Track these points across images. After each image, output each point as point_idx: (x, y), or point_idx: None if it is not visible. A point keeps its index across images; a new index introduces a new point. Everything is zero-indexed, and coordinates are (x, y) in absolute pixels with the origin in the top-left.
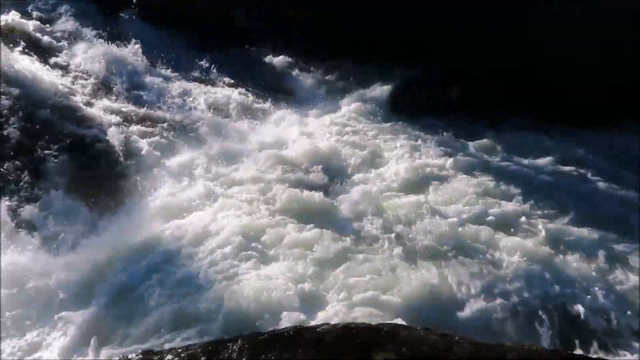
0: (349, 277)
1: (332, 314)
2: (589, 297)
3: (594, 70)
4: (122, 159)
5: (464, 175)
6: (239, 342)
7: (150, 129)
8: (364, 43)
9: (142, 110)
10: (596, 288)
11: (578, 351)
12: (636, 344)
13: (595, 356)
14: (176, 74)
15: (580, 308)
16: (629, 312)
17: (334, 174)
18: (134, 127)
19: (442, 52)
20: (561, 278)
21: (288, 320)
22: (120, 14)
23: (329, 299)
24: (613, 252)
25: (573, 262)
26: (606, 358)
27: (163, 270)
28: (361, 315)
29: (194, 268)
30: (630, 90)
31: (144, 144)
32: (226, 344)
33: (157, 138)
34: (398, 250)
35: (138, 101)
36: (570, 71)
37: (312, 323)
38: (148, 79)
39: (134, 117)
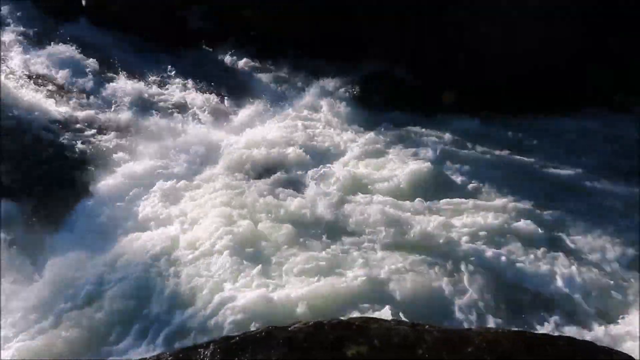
0: (317, 273)
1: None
2: (549, 279)
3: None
4: (75, 165)
5: (424, 166)
6: (211, 347)
7: (105, 134)
8: (321, 41)
9: (96, 115)
10: (557, 270)
11: (542, 331)
12: (597, 324)
13: (557, 334)
14: (130, 77)
15: (540, 290)
16: (593, 293)
17: (298, 170)
18: (88, 132)
19: (399, 47)
20: (520, 261)
21: (260, 321)
22: (70, 19)
23: (298, 297)
24: (574, 235)
25: (528, 245)
26: (568, 335)
27: (126, 281)
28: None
29: (159, 277)
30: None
31: (98, 149)
32: (197, 350)
33: (113, 143)
34: (364, 242)
35: (91, 105)
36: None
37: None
38: (101, 82)
39: (87, 122)
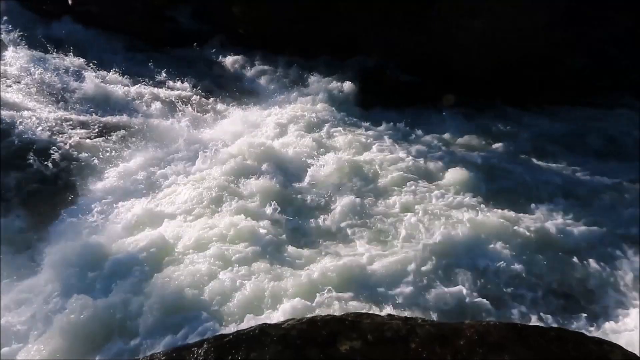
0: (311, 269)
1: (294, 308)
2: (540, 272)
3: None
4: (61, 167)
5: (416, 162)
6: (204, 346)
7: (91, 134)
8: (311, 37)
9: (84, 116)
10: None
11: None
12: (590, 318)
13: (547, 326)
14: (118, 76)
15: (536, 283)
16: (585, 287)
17: (290, 169)
18: (73, 133)
19: (391, 44)
20: (509, 254)
21: (253, 319)
22: (57, 19)
23: (291, 294)
24: (564, 227)
25: (517, 237)
26: (559, 327)
27: (117, 281)
28: (326, 307)
29: (149, 277)
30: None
31: (84, 150)
32: (190, 349)
33: (100, 143)
34: (355, 240)
35: (77, 106)
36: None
37: (278, 320)
38: (88, 83)
39: (72, 123)
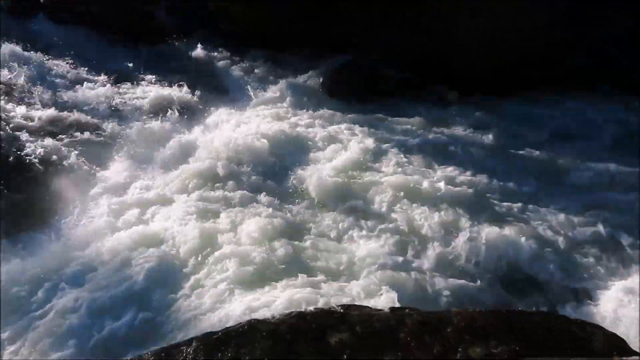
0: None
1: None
2: (523, 257)
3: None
4: (42, 172)
5: (401, 155)
6: (193, 344)
7: (69, 134)
8: (291, 32)
9: (64, 117)
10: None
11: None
12: (574, 302)
13: (531, 311)
14: (98, 75)
15: (519, 268)
16: (568, 271)
17: (271, 163)
18: (52, 134)
19: (370, 37)
20: (494, 240)
21: (242, 315)
22: (29, 17)
23: (281, 288)
24: (547, 213)
25: (501, 222)
26: (543, 311)
27: (100, 282)
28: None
29: (135, 277)
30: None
31: (63, 151)
32: (180, 348)
33: (79, 143)
34: (347, 234)
35: (58, 107)
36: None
37: (267, 315)
38: (67, 82)
39: (51, 124)
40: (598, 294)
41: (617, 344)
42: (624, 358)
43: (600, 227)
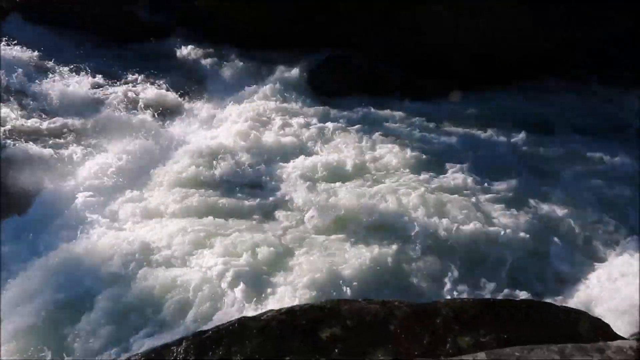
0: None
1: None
2: (512, 246)
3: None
4: (20, 170)
5: (393, 150)
6: (183, 344)
7: (50, 136)
8: (276, 29)
9: (39, 117)
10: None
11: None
12: (562, 289)
13: (518, 299)
14: (78, 75)
15: (505, 258)
16: (557, 257)
17: (260, 161)
18: (33, 135)
19: (353, 34)
20: (480, 230)
21: (232, 313)
22: (2, 17)
23: (274, 285)
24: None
25: (486, 213)
26: (529, 299)
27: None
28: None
29: (118, 277)
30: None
31: (44, 152)
32: (170, 348)
33: (60, 144)
34: (340, 231)
35: (32, 107)
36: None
37: (258, 312)
38: (46, 82)
39: (31, 124)
40: (582, 280)
41: (602, 329)
42: (609, 342)
43: (585, 215)
